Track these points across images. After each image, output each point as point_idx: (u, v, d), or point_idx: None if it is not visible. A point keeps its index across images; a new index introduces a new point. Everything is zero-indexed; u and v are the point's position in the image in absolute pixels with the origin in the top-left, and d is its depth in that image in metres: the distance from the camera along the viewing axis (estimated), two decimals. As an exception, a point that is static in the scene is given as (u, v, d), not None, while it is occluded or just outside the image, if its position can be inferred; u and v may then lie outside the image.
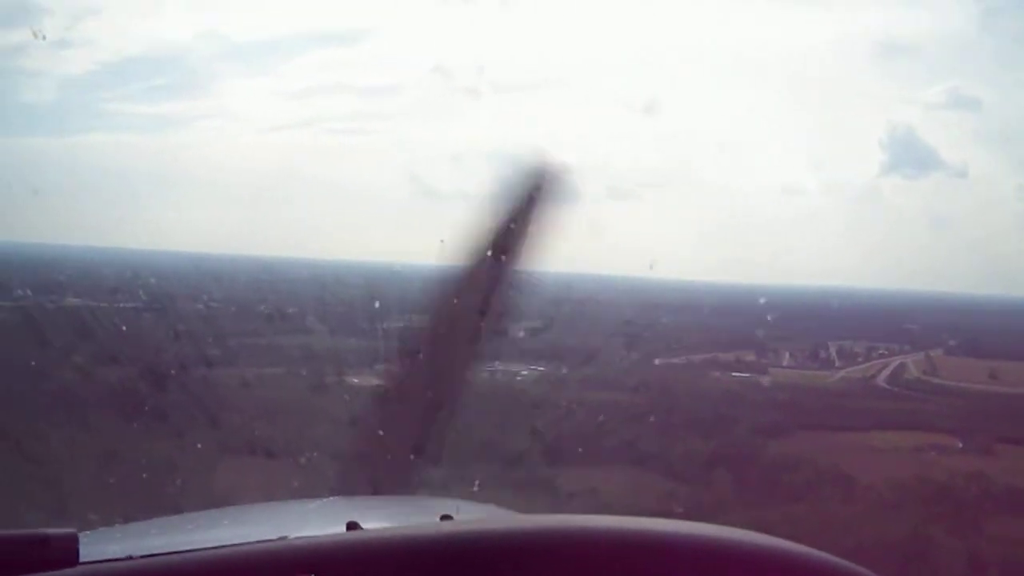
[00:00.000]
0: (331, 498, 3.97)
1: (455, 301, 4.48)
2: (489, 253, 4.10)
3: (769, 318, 21.68)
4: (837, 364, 30.90)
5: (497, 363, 19.60)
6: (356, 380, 19.53)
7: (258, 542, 2.07)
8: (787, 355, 30.46)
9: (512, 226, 4.15)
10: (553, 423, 14.67)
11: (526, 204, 4.12)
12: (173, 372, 16.38)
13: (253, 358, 19.77)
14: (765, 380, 27.48)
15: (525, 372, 19.27)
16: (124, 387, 15.75)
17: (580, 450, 16.09)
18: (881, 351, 33.07)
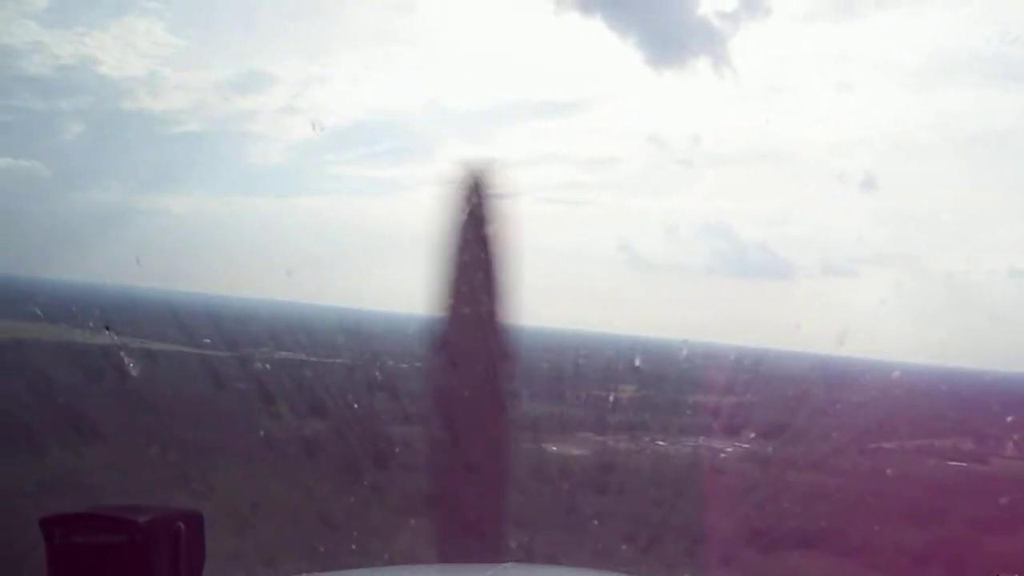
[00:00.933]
0: (506, 564, 3.94)
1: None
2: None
3: (992, 405, 20.43)
4: (1068, 458, 28.58)
5: (701, 439, 19.32)
6: (555, 448, 19.69)
7: None
8: (1010, 444, 28.54)
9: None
10: (758, 504, 14.25)
11: None
12: (365, 428, 17.05)
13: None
14: (985, 470, 25.84)
15: (729, 449, 18.89)
16: (318, 438, 16.49)
17: (784, 534, 15.50)
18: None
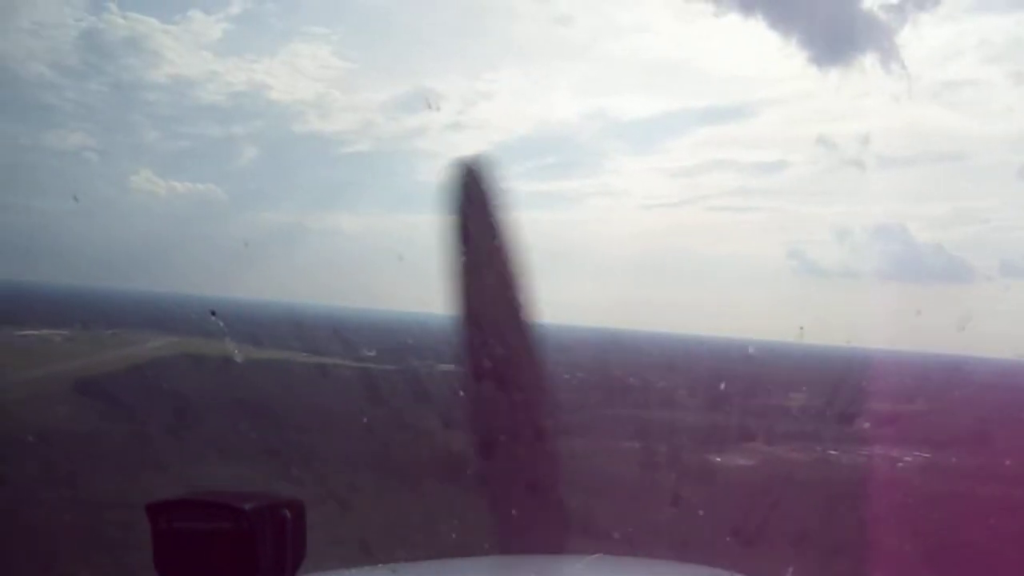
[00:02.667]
0: (595, 555, 3.96)
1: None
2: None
3: None
4: None
5: (876, 447, 18.49)
6: (719, 459, 19.24)
7: None
8: None
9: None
10: (938, 519, 13.43)
11: None
12: (507, 440, 17.03)
13: (611, 430, 20.12)
14: None
15: (908, 458, 18.04)
16: (457, 452, 16.57)
17: (966, 553, 14.50)
18: None
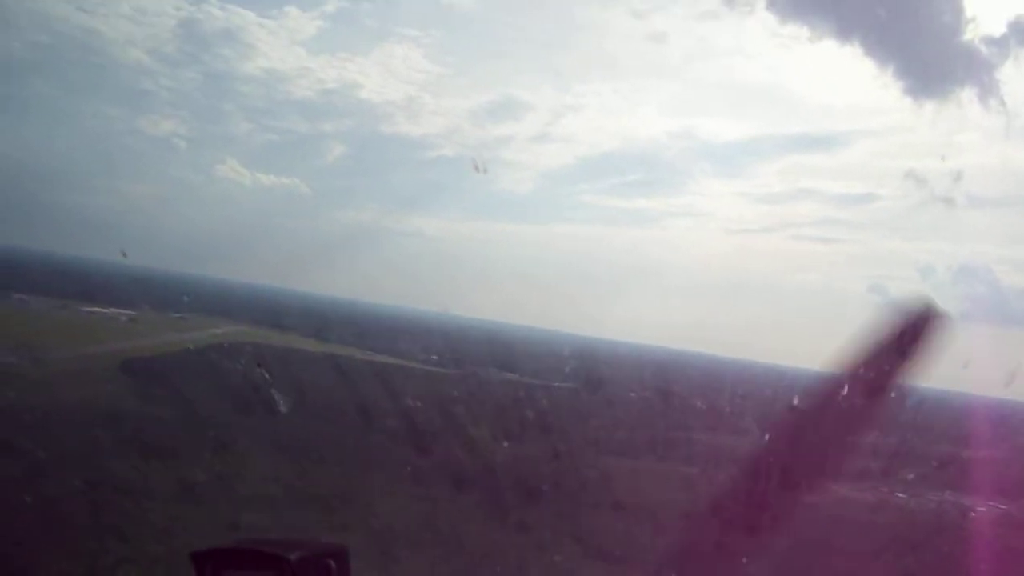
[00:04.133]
0: None
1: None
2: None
3: None
4: None
5: (946, 493, 17.39)
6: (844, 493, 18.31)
7: None
8: None
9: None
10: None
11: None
12: (564, 452, 16.55)
13: (665, 451, 19.38)
14: None
15: (981, 508, 16.88)
16: (513, 460, 16.09)
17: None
18: None
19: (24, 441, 14.50)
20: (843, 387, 4.33)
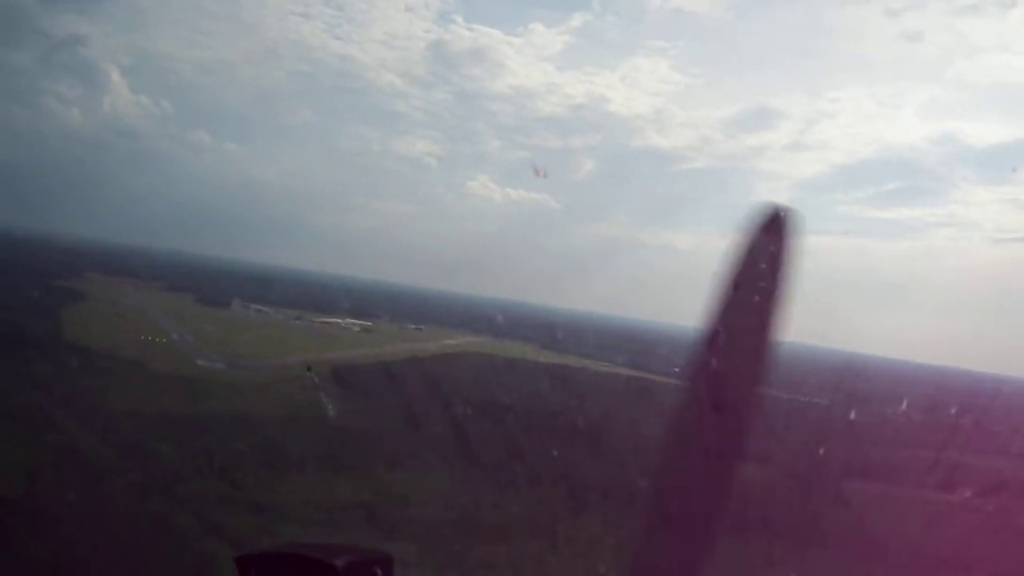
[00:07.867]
0: None
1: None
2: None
3: None
4: None
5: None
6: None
7: None
8: None
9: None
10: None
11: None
12: (810, 476, 14.82)
13: (910, 475, 17.68)
14: None
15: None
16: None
17: None
18: None
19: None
20: None
